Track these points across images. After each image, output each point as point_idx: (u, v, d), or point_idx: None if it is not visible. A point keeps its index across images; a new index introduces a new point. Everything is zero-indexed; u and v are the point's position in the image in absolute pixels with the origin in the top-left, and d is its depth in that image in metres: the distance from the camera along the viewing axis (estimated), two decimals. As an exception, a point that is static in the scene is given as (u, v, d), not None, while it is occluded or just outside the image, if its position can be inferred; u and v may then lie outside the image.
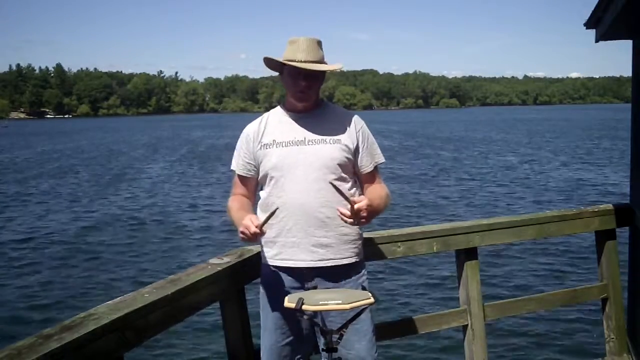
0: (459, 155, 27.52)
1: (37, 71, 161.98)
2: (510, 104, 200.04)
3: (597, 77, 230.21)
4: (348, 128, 2.15)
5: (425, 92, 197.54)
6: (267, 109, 2.30)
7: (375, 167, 2.21)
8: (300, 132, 2.12)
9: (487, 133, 47.22)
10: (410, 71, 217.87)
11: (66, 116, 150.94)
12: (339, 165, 2.09)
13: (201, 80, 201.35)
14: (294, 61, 2.05)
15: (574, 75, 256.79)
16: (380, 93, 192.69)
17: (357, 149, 2.14)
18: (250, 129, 2.20)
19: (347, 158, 2.11)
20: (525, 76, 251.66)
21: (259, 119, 2.23)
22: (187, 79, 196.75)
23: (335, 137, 2.11)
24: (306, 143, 2.10)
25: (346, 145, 2.11)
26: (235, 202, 2.20)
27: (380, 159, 2.22)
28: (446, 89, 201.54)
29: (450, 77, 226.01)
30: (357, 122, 2.18)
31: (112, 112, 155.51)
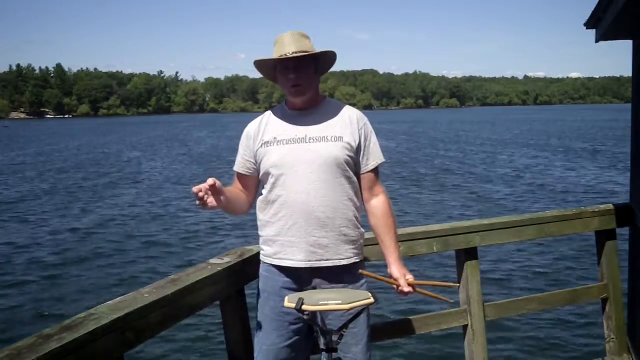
0: (459, 155, 27.49)
1: (37, 71, 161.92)
2: (510, 104, 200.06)
3: (597, 77, 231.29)
4: (350, 125, 2.09)
5: (425, 92, 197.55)
6: (267, 109, 2.28)
7: (375, 168, 2.15)
8: (302, 130, 2.07)
9: (487, 133, 47.17)
10: (410, 71, 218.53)
11: (66, 116, 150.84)
12: (341, 163, 2.04)
13: (201, 80, 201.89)
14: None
15: (574, 75, 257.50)
16: (380, 93, 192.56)
17: (359, 146, 2.09)
18: (251, 127, 2.17)
19: (349, 156, 2.06)
20: (525, 76, 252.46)
21: (260, 117, 2.20)
22: (187, 79, 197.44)
23: (337, 135, 2.06)
24: (307, 140, 2.05)
25: (348, 143, 2.06)
26: None
27: (381, 158, 2.15)
28: (446, 89, 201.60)
29: (450, 77, 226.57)
30: (360, 119, 2.13)
31: (112, 112, 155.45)
